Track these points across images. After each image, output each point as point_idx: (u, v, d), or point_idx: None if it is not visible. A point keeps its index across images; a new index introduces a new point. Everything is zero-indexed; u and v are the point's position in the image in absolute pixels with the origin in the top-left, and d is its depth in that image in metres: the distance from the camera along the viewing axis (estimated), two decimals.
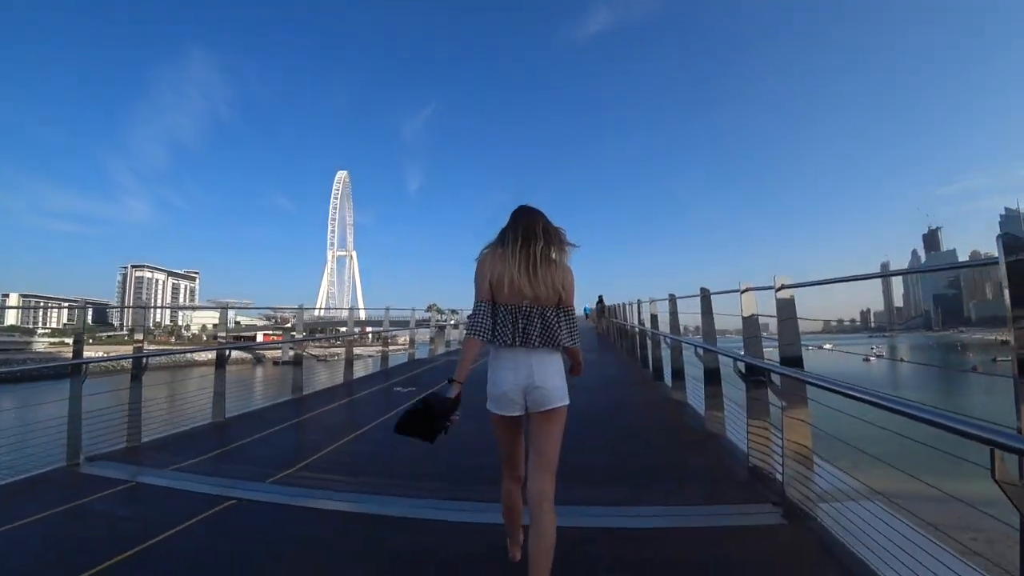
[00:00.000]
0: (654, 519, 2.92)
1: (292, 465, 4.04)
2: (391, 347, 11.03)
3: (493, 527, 2.63)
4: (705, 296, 4.84)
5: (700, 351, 4.73)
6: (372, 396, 7.47)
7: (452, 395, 1.98)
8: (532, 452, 2.09)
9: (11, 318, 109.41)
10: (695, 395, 5.90)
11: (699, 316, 5.09)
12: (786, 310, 3.18)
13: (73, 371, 4.40)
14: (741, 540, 2.65)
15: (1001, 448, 1.45)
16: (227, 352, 6.18)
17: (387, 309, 11.59)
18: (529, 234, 2.11)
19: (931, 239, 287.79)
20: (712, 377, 4.66)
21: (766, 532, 2.68)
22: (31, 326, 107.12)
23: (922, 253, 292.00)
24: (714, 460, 3.98)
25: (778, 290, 3.21)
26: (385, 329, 11.32)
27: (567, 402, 2.10)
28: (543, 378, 2.06)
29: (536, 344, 2.07)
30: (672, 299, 6.56)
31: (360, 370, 10.46)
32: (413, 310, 12.62)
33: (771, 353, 3.53)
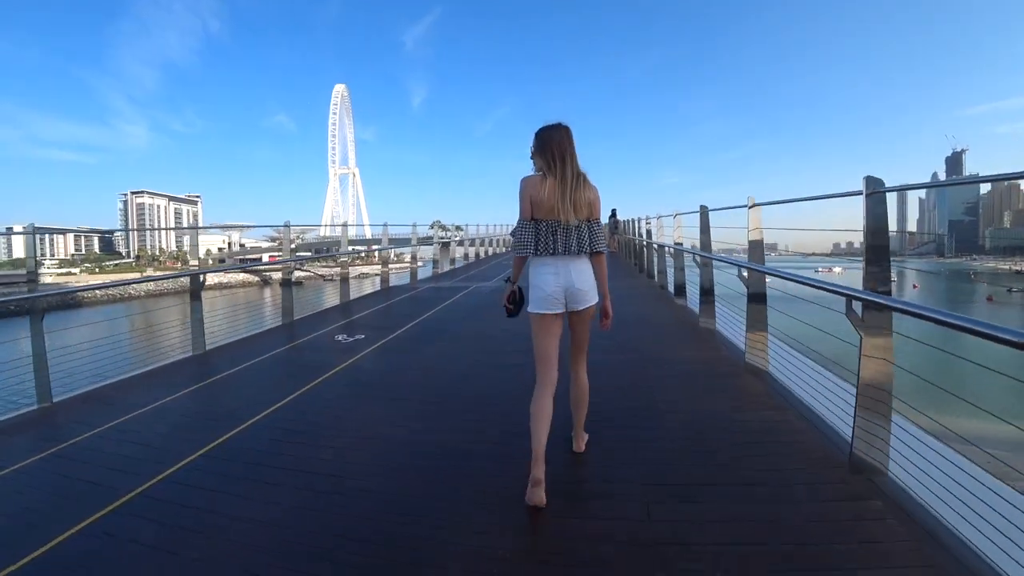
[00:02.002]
0: None
1: (64, 530, 2.16)
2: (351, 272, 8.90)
3: None
4: (877, 195, 2.44)
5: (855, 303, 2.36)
6: (296, 352, 5.46)
7: (506, 294, 2.60)
8: (572, 342, 2.58)
9: (18, 251, 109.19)
10: (785, 361, 3.67)
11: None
12: None
13: None
14: None
15: None
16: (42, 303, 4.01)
17: (344, 225, 9.28)
18: (568, 171, 2.37)
19: (954, 162, 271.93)
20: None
21: None
22: (39, 257, 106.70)
23: (943, 177, 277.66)
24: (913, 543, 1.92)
25: None
26: (343, 252, 9.08)
27: (597, 299, 2.49)
28: (581, 281, 2.41)
29: (575, 252, 2.39)
30: (754, 206, 4.13)
31: (331, 300, 8.50)
32: (385, 225, 10.29)
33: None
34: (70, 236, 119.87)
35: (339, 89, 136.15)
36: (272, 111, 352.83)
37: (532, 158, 2.49)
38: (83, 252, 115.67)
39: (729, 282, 5.57)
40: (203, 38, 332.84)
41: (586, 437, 2.73)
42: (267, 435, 3.13)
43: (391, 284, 10.89)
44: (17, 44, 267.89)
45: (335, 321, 6.88)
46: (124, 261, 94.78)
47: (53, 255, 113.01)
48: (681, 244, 7.36)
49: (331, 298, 9.14)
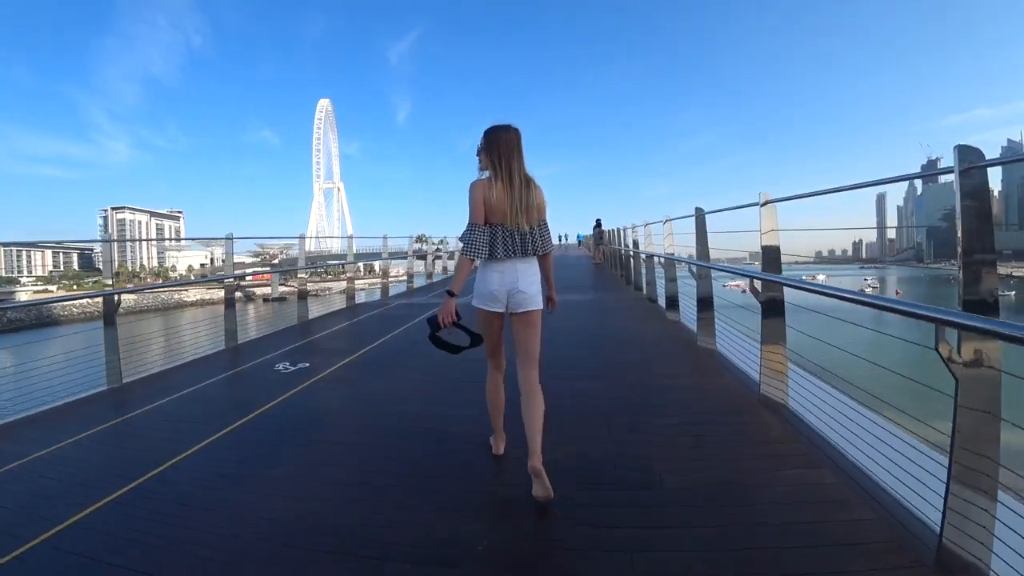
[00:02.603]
0: None
1: None
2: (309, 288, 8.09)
3: None
4: (975, 170, 1.75)
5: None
6: (224, 386, 4.56)
7: (452, 308, 2.31)
8: (518, 351, 2.46)
9: None
10: (808, 393, 2.95)
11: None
12: None
13: None
14: None
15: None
16: None
17: (301, 237, 8.39)
18: (516, 174, 2.34)
19: (930, 169, 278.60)
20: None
21: None
22: (15, 274, 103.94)
23: (919, 184, 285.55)
24: None
25: None
26: (301, 267, 8.26)
27: (541, 307, 2.45)
28: (525, 284, 2.39)
29: (524, 254, 2.38)
30: (767, 203, 3.39)
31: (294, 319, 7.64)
32: (351, 237, 9.56)
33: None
34: (48, 252, 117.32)
35: (323, 104, 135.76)
36: (256, 126, 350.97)
37: (478, 155, 2.46)
38: (61, 268, 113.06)
39: (724, 293, 4.94)
40: (186, 54, 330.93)
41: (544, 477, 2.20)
42: (147, 506, 2.34)
43: (363, 300, 10.10)
44: (1, 62, 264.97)
45: (285, 344, 5.99)
46: (103, 278, 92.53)
47: (31, 271, 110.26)
48: (673, 254, 6.62)
49: (297, 316, 8.35)
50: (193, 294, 67.01)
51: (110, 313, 4.68)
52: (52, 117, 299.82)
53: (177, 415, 3.75)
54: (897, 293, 58.18)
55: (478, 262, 2.42)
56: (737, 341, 4.54)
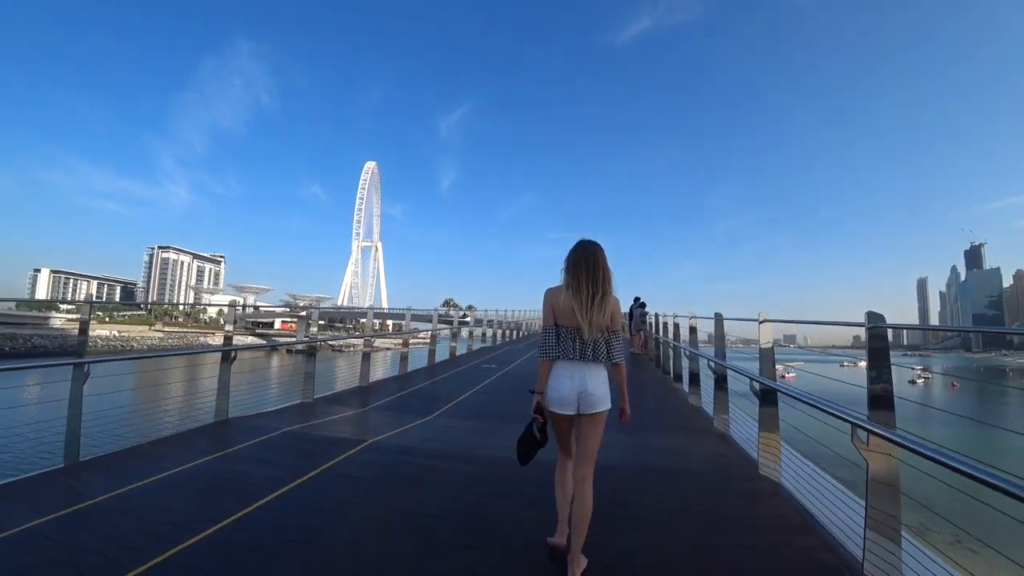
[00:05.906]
0: None
1: None
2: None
3: None
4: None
5: None
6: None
7: (533, 405, 2.67)
8: (578, 447, 2.67)
9: (42, 292, 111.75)
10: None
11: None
12: None
13: None
14: None
15: None
16: None
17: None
18: (595, 288, 2.59)
19: (973, 256, 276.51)
20: None
21: None
22: (58, 300, 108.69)
23: (962, 270, 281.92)
24: None
25: None
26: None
27: (609, 407, 2.62)
28: (594, 386, 2.59)
29: (590, 359, 2.60)
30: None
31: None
32: (240, 304, 9.47)
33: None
34: (94, 282, 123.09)
35: (369, 165, 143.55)
36: (307, 182, 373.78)
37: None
38: (104, 299, 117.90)
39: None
40: (255, 111, 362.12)
41: (584, 563, 2.53)
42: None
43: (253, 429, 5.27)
44: (88, 104, 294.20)
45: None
46: (136, 313, 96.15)
47: (74, 299, 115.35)
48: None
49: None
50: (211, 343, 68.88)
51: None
52: (124, 158, 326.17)
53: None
54: (953, 386, 55.13)
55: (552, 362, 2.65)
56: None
